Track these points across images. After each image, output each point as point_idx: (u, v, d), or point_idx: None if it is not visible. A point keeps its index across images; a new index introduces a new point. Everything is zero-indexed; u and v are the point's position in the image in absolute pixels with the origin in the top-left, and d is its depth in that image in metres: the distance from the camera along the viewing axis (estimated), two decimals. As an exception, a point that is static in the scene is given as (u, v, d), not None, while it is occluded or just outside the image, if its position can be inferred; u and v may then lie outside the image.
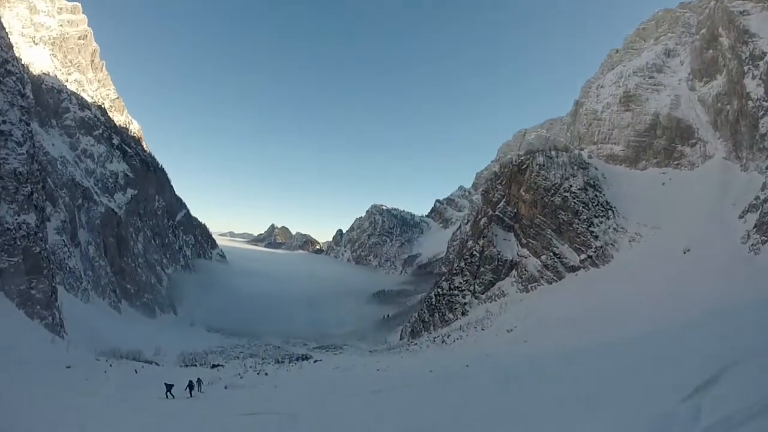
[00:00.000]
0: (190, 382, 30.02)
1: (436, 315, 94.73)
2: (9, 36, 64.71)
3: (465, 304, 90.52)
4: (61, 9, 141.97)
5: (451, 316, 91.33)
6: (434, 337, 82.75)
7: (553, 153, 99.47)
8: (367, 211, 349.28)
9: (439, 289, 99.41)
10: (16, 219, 56.31)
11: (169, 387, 28.78)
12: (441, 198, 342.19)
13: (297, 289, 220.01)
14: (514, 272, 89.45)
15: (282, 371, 52.08)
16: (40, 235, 60.62)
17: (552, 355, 30.94)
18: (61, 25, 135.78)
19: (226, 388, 35.72)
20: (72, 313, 66.54)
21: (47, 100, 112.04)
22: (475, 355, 50.14)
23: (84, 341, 58.85)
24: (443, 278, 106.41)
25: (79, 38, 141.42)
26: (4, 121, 57.43)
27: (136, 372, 44.66)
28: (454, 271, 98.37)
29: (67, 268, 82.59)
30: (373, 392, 21.35)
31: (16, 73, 62.03)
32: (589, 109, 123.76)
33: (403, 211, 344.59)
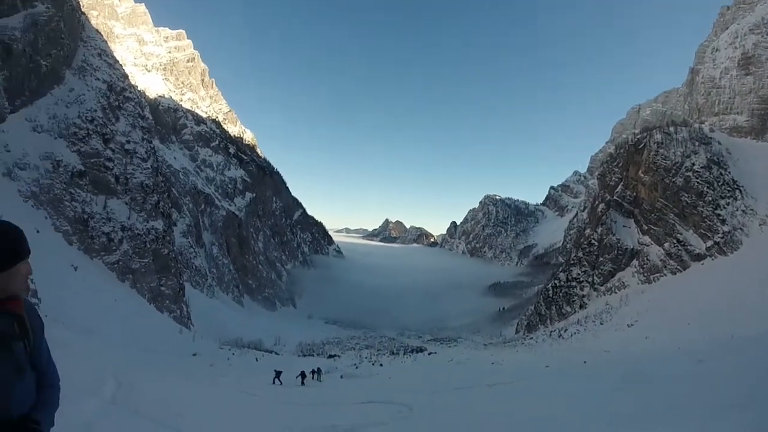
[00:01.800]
0: (302, 372, 30.52)
1: (553, 308, 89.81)
2: (123, 67, 72.15)
3: (583, 296, 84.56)
4: (167, 37, 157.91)
5: (568, 309, 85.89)
6: (551, 331, 78.26)
7: (671, 129, 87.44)
8: (481, 202, 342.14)
9: (556, 281, 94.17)
10: (146, 225, 62.83)
11: (277, 373, 29.46)
12: (555, 185, 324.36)
13: (412, 283, 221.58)
14: (635, 262, 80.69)
15: (397, 363, 52.10)
16: (168, 238, 67.25)
17: (676, 353, 27.87)
18: (169, 52, 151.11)
19: (342, 377, 35.73)
20: (198, 307, 73.13)
21: (165, 119, 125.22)
22: (594, 350, 46.42)
23: (209, 332, 64.02)
24: (560, 269, 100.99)
25: (188, 61, 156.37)
26: (128, 141, 64.39)
27: (257, 360, 46.58)
28: (572, 262, 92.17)
29: (194, 267, 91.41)
30: (488, 386, 20.16)
31: (134, 99, 69.28)
32: (705, 76, 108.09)
33: (517, 200, 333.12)
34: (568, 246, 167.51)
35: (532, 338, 78.43)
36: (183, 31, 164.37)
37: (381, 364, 49.50)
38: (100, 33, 71.68)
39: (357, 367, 45.44)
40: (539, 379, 23.03)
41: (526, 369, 31.11)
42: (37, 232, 44.82)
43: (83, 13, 68.00)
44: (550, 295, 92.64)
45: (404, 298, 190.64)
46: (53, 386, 2.26)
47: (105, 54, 66.93)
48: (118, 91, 64.77)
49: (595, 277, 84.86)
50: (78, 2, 65.69)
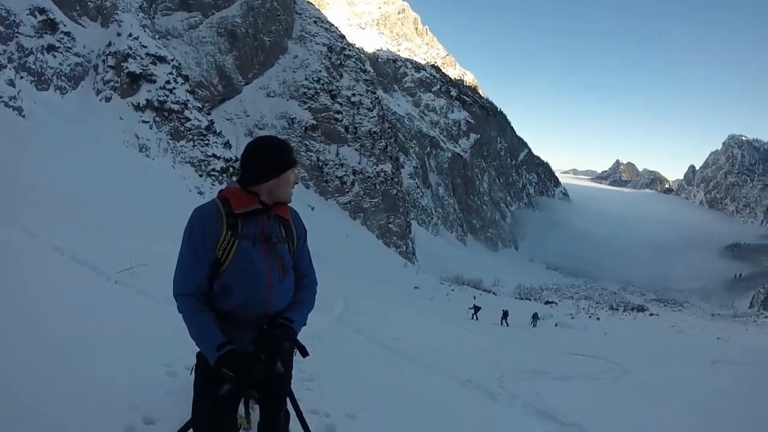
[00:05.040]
0: (505, 311, 30.54)
1: None
2: (339, 29, 78.04)
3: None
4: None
5: None
6: None
7: None
8: (724, 143, 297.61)
9: None
10: (375, 168, 69.44)
11: (476, 309, 29.97)
12: None
13: (640, 234, 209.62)
14: None
15: (614, 319, 50.40)
16: (396, 180, 73.49)
17: None
18: (379, 8, 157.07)
19: (556, 325, 34.62)
20: (423, 243, 78.68)
21: (386, 70, 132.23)
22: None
23: (431, 268, 68.23)
24: None
25: (399, 13, 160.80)
26: (353, 94, 70.90)
27: (475, 298, 47.79)
28: None
29: (420, 206, 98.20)
30: (711, 362, 18.35)
31: (354, 55, 75.22)
32: None
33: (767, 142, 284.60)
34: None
35: (766, 317, 66.62)
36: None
37: (598, 318, 48.10)
38: (311, 3, 78.74)
39: (573, 318, 44.10)
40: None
41: (755, 351, 26.72)
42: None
43: (293, -11, 74.90)
44: (800, 269, 74.36)
45: (630, 250, 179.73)
46: (310, 288, 2.37)
47: (320, 21, 73.77)
48: (338, 50, 71.11)
49: None
50: (286, -19, 72.28)
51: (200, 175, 36.19)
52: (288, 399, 2.34)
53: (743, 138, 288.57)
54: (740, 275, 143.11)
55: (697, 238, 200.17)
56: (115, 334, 4.62)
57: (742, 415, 8.81)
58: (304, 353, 2.22)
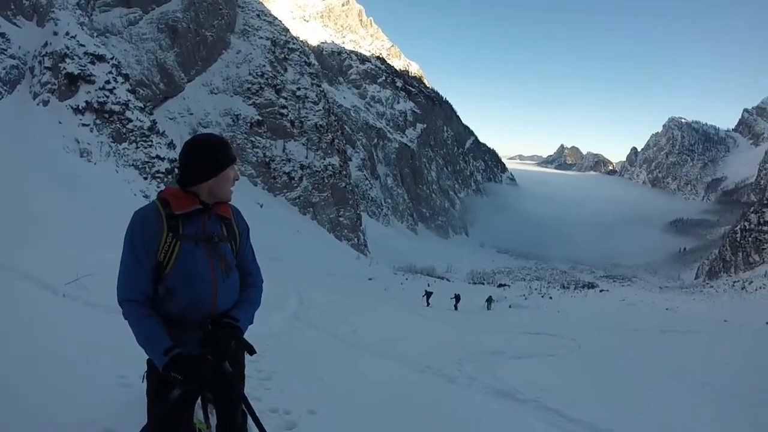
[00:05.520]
0: (457, 295, 31.02)
1: (740, 254, 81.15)
2: (282, 22, 76.52)
3: (775, 245, 71.06)
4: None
5: (756, 257, 76.77)
6: (734, 281, 69.78)
7: None
8: (664, 126, 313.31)
9: (746, 223, 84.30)
10: (323, 162, 68.90)
11: (428, 294, 30.42)
12: (750, 107, 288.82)
13: (587, 214, 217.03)
14: None
15: (566, 297, 51.26)
16: (344, 173, 73.17)
17: None
18: (323, 0, 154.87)
19: (510, 307, 35.49)
20: (374, 235, 79.17)
21: (331, 63, 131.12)
22: (778, 311, 39.43)
23: (384, 258, 68.86)
24: (752, 210, 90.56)
25: (343, 5, 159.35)
26: (298, 88, 69.80)
27: (428, 285, 48.81)
28: (766, 202, 78.27)
29: (369, 198, 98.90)
30: (661, 332, 19.25)
31: (298, 49, 73.85)
32: None
33: (706, 124, 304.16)
34: (762, 182, 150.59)
35: (711, 287, 70.86)
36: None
37: (550, 297, 49.19)
38: (254, -4, 76.76)
39: (526, 298, 45.29)
40: (715, 333, 21.45)
41: (702, 320, 29.09)
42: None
43: (234, -18, 72.91)
44: (738, 240, 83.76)
45: (578, 230, 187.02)
46: (255, 286, 2.35)
47: (263, 14, 72.02)
48: (282, 44, 69.79)
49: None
50: (227, -26, 70.25)
51: (145, 178, 34.80)
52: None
53: (683, 120, 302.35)
54: (684, 249, 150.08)
55: (641, 216, 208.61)
56: (67, 349, 4.44)
57: (690, 379, 9.26)
58: (252, 351, 2.21)
